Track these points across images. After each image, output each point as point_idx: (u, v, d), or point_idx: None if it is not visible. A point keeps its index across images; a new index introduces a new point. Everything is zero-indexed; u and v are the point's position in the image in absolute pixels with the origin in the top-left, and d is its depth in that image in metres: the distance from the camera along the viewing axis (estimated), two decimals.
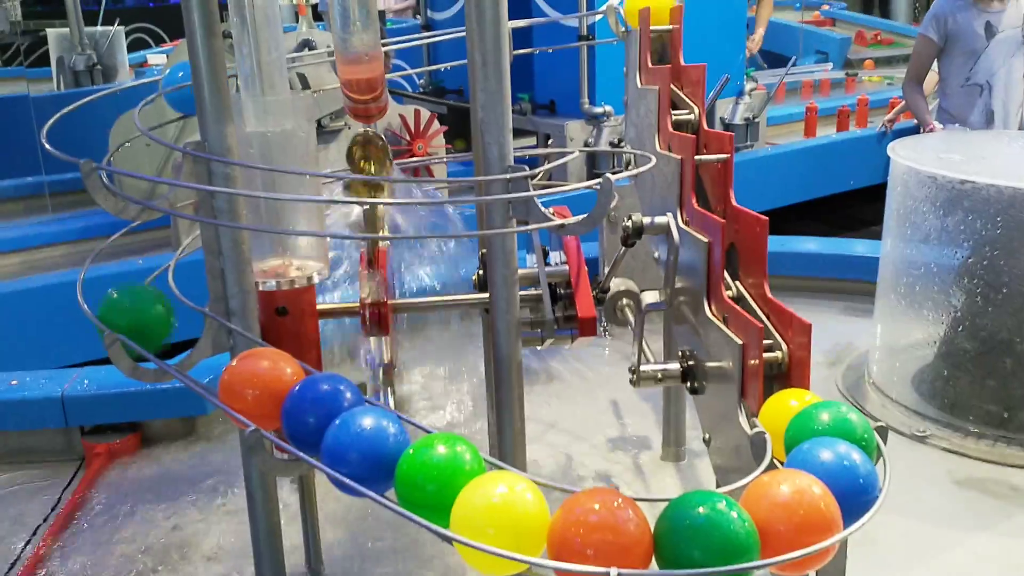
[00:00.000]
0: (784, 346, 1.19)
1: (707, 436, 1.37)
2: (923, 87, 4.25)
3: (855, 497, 0.88)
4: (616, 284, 1.62)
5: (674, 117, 1.61)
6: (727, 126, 5.58)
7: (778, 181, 5.57)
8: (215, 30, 1.14)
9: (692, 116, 1.62)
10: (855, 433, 0.98)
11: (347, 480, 0.90)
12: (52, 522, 1.95)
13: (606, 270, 2.04)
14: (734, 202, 1.39)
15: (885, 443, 1.01)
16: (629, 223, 1.46)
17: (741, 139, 5.63)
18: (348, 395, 1.01)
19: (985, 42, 3.82)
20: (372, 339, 1.38)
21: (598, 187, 1.10)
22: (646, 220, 1.46)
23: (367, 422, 0.94)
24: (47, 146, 1.20)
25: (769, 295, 1.26)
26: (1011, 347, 2.00)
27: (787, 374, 1.19)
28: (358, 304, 1.41)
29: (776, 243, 2.91)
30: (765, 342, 1.18)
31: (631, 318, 1.57)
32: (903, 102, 6.14)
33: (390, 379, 1.38)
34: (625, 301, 1.63)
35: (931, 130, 3.95)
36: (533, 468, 1.84)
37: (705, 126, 1.59)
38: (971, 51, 3.84)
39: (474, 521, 0.83)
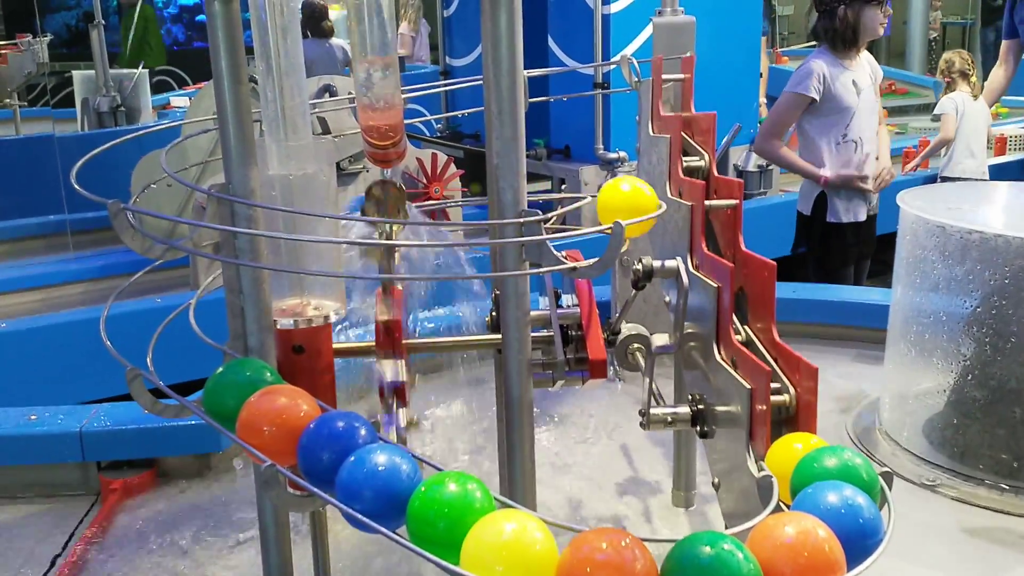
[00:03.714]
0: (792, 390, 1.20)
1: (716, 480, 1.38)
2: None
3: (859, 540, 0.89)
4: (627, 329, 1.64)
5: (685, 163, 1.64)
6: (740, 173, 5.63)
7: (791, 228, 5.59)
8: (241, 76, 1.17)
9: (703, 163, 1.65)
10: (860, 478, 0.99)
11: (360, 516, 0.92)
12: (67, 556, 1.96)
13: (618, 313, 2.06)
14: (743, 247, 1.41)
15: (890, 488, 1.03)
16: (639, 266, 1.49)
17: (755, 186, 5.66)
18: (363, 432, 1.02)
19: (856, 99, 3.85)
20: (385, 362, 1.40)
21: (609, 231, 1.12)
22: (656, 263, 1.49)
23: (381, 459, 0.95)
24: (76, 187, 1.23)
25: (777, 339, 1.27)
26: (1020, 396, 2.01)
27: (795, 418, 1.20)
28: (372, 343, 1.43)
29: (787, 290, 2.93)
30: (772, 385, 1.19)
31: (642, 363, 1.59)
32: (923, 148, 6.14)
33: (403, 401, 1.39)
34: (636, 345, 1.65)
35: (826, 180, 3.89)
36: (543, 511, 1.84)
37: (716, 172, 1.62)
38: (846, 108, 3.84)
39: (484, 558, 0.84)
